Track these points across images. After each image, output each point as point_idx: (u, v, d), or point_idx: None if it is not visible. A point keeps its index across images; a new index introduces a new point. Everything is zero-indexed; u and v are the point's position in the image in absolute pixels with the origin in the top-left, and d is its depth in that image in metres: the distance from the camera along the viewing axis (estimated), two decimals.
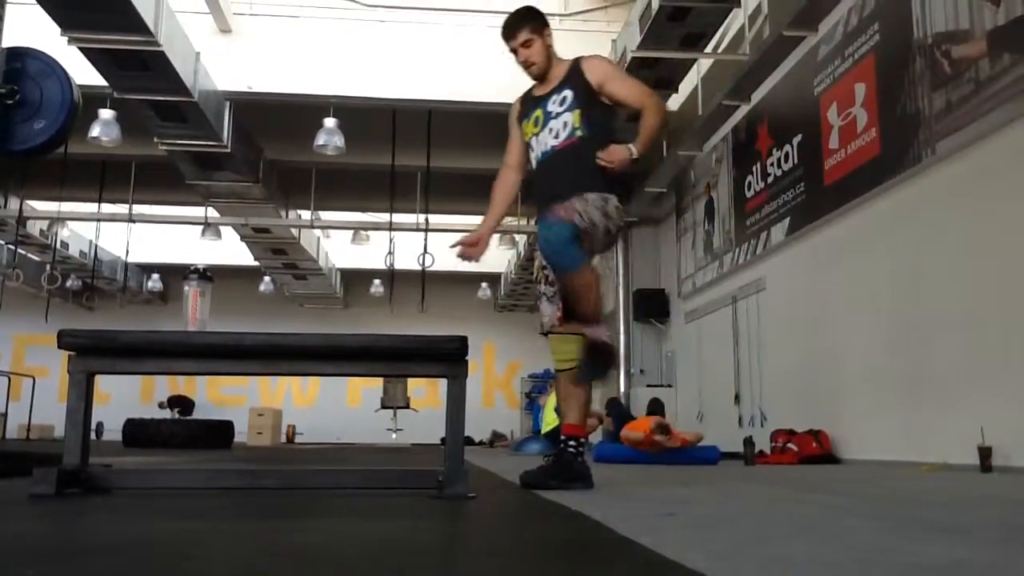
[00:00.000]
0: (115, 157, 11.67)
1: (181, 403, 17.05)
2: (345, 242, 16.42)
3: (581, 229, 3.09)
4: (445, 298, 16.98)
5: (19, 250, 14.50)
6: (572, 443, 3.25)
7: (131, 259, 15.96)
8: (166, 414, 16.68)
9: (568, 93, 3.31)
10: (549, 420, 10.37)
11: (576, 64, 3.37)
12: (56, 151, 5.18)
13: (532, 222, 13.97)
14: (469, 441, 14.82)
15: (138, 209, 13.18)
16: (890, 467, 5.92)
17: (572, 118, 3.29)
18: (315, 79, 9.85)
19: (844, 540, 1.70)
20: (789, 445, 7.18)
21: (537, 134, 3.38)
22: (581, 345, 3.20)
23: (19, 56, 4.65)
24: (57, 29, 7.57)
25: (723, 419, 9.62)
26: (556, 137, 3.32)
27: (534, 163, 3.44)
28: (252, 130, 11.28)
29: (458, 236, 3.45)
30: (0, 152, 4.62)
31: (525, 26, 3.34)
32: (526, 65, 3.39)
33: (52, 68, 4.69)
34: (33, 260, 16.38)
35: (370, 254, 15.73)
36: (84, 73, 7.50)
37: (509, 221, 14.82)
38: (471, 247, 3.42)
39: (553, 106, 3.33)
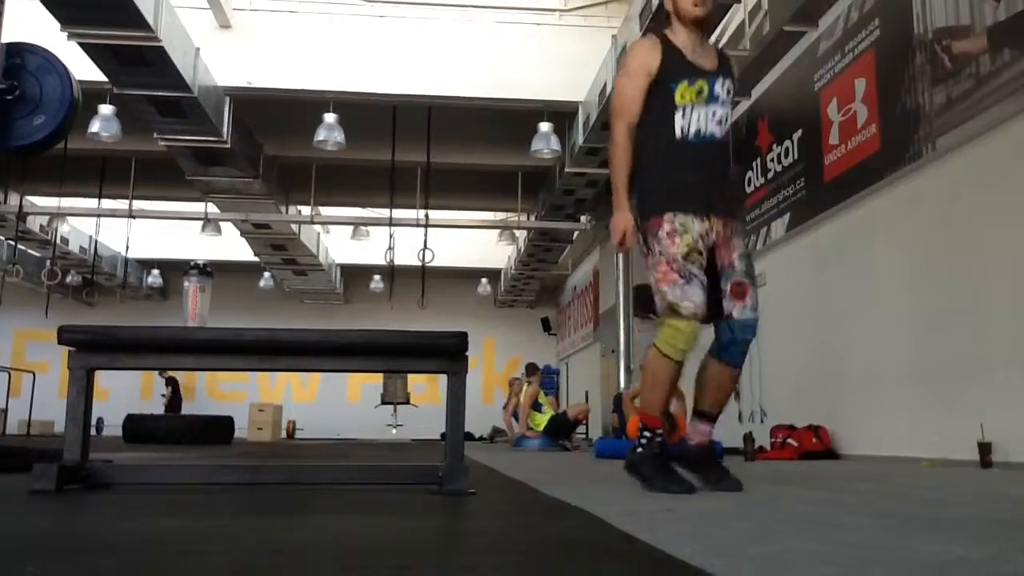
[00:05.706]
0: (115, 153, 11.68)
1: (173, 383, 17.09)
2: (345, 238, 16.41)
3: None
4: (445, 294, 16.99)
5: (19, 246, 14.49)
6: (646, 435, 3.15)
7: (131, 255, 15.99)
8: (163, 397, 16.89)
9: (729, 85, 3.03)
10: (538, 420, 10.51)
11: (725, 55, 3.15)
12: (56, 147, 5.17)
13: (534, 211, 13.95)
14: (469, 437, 14.83)
15: (138, 205, 13.19)
16: (890, 463, 5.92)
17: (728, 114, 3.03)
18: (315, 74, 9.84)
19: (843, 537, 1.70)
20: (789, 441, 7.18)
21: (694, 104, 2.95)
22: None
23: (19, 52, 4.63)
24: (57, 25, 7.57)
25: (723, 415, 9.60)
26: (720, 124, 2.99)
27: (681, 133, 2.95)
28: (252, 126, 11.27)
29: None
30: (0, 148, 4.61)
31: None
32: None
33: (52, 64, 4.68)
34: (33, 256, 16.38)
35: (370, 250, 15.73)
36: (84, 69, 7.49)
37: (510, 217, 14.83)
38: (626, 239, 3.01)
39: (720, 90, 2.99)
